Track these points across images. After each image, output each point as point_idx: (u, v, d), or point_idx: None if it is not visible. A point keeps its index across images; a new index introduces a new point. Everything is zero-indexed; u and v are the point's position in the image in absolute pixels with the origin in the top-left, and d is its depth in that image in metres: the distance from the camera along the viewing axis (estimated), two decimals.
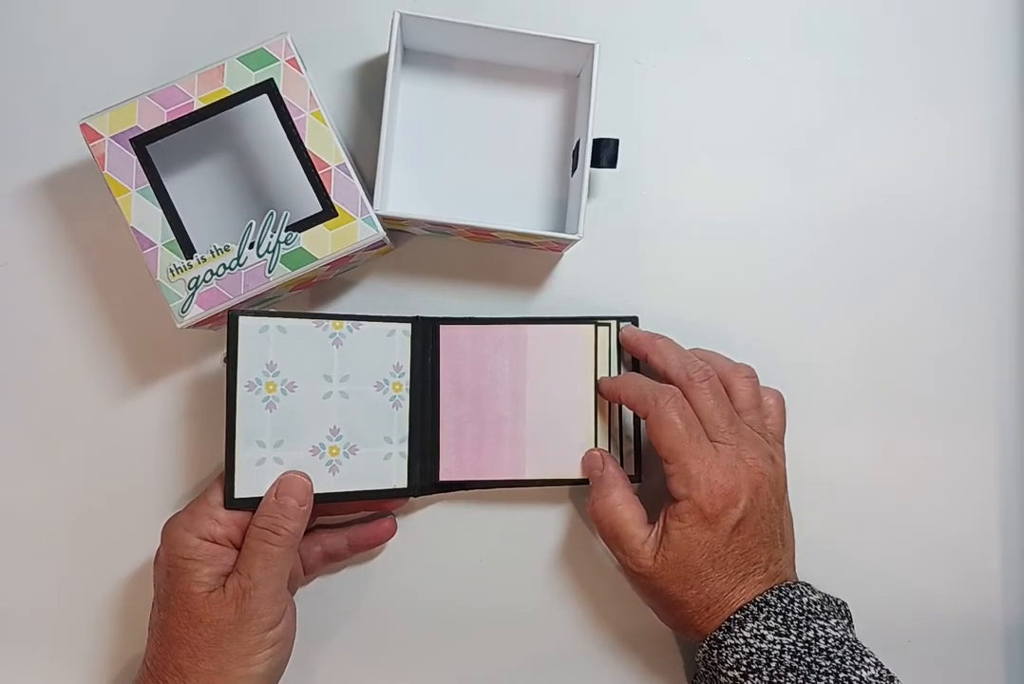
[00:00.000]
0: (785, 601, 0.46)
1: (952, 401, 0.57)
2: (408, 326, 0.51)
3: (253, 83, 0.48)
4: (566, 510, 0.55)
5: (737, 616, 0.46)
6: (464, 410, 0.52)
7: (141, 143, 0.48)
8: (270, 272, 0.48)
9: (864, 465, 0.57)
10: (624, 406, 0.52)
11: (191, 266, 0.48)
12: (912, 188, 0.58)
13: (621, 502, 0.50)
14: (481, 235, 0.53)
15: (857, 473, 0.57)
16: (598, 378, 0.52)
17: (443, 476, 0.52)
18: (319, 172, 0.48)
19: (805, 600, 0.47)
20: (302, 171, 0.48)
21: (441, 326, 0.52)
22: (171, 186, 0.48)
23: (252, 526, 0.46)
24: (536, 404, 0.52)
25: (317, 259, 0.48)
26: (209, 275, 0.48)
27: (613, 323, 0.54)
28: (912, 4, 0.59)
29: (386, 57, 0.50)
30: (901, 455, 0.57)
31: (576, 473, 0.52)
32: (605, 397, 0.52)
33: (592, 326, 0.52)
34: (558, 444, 0.52)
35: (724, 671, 0.46)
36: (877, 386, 0.57)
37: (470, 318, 0.53)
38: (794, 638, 0.45)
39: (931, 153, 0.58)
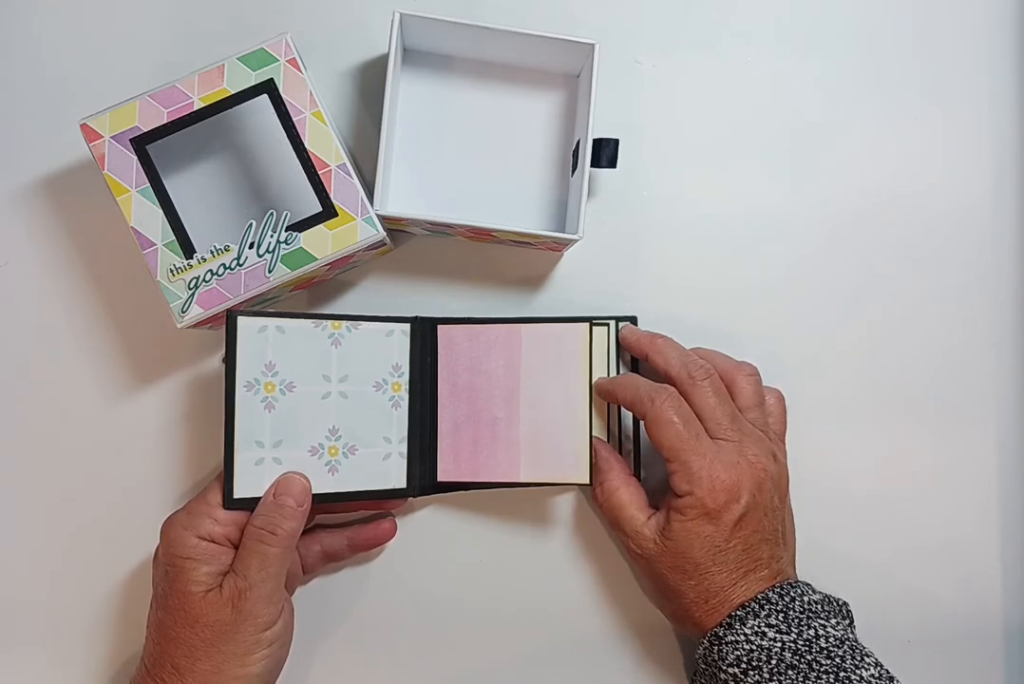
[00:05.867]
0: (786, 599, 0.47)
1: (952, 401, 0.57)
2: (407, 326, 0.51)
3: (253, 83, 0.48)
4: (566, 510, 0.55)
5: (738, 613, 0.46)
6: (460, 411, 0.52)
7: (141, 143, 0.48)
8: (270, 272, 0.48)
9: (864, 464, 0.57)
10: (622, 407, 0.52)
11: (191, 266, 0.48)
12: (912, 188, 0.58)
13: (619, 485, 0.50)
14: (481, 235, 0.53)
15: (857, 472, 0.57)
16: (595, 379, 0.52)
17: (441, 477, 0.52)
18: (319, 172, 0.48)
19: (806, 599, 0.47)
20: (302, 171, 0.48)
21: (438, 326, 0.52)
22: (171, 186, 0.48)
23: (249, 526, 0.46)
24: (530, 405, 0.51)
25: (317, 259, 0.48)
26: (209, 275, 0.48)
27: (611, 323, 0.54)
28: (912, 5, 0.59)
29: (386, 57, 0.50)
30: (901, 454, 0.57)
31: (571, 476, 0.50)
32: (603, 398, 0.52)
33: (587, 325, 0.51)
34: (552, 446, 0.51)
35: (724, 668, 0.46)
36: (877, 386, 0.57)
37: (467, 318, 0.53)
38: (795, 636, 0.45)
39: (931, 153, 0.58)
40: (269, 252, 0.48)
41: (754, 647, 0.45)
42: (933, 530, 0.57)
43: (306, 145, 0.48)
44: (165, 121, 0.48)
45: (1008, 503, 0.57)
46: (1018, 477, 0.57)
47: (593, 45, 0.51)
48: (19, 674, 0.53)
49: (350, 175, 0.49)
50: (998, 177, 0.58)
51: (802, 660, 0.45)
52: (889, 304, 0.58)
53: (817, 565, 0.53)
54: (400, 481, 0.51)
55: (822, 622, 0.46)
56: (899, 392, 0.57)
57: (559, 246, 0.53)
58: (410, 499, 0.53)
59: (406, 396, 0.51)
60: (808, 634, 0.46)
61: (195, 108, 0.48)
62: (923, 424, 0.57)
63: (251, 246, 0.48)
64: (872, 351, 0.57)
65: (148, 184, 0.48)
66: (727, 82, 0.58)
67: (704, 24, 0.58)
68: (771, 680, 0.44)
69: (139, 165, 0.48)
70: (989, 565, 0.57)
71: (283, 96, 0.48)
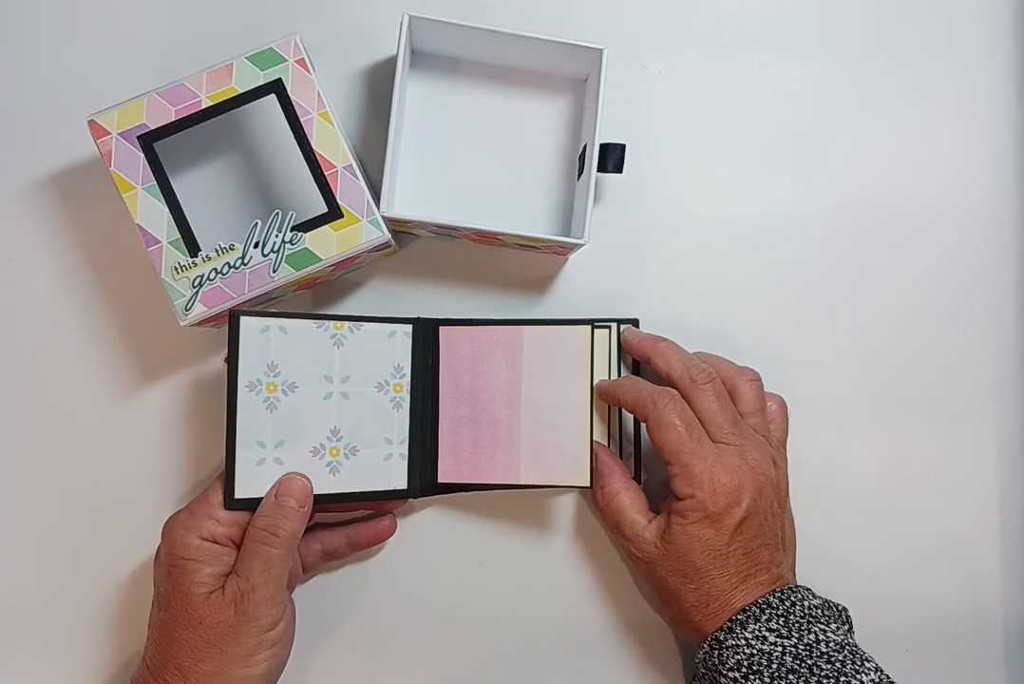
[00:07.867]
0: (787, 604, 0.47)
1: (953, 402, 0.58)
2: (409, 327, 0.51)
3: (261, 83, 0.48)
4: (566, 511, 0.55)
5: (739, 617, 0.46)
6: (462, 412, 0.52)
7: (148, 141, 0.48)
8: (274, 272, 0.48)
9: (864, 465, 0.57)
10: (624, 409, 0.52)
11: (196, 264, 0.48)
12: (913, 189, 0.58)
13: (620, 489, 0.50)
14: (486, 238, 0.53)
15: (858, 473, 0.57)
16: (597, 381, 0.52)
17: (441, 478, 0.52)
18: (326, 173, 0.48)
19: (806, 604, 0.47)
20: (308, 172, 0.48)
21: (440, 327, 0.52)
22: (177, 184, 0.48)
23: (251, 527, 0.46)
24: (531, 407, 0.51)
25: (322, 260, 0.48)
26: (213, 274, 0.48)
27: (613, 325, 0.54)
28: (913, 6, 0.59)
29: (394, 59, 0.50)
30: (902, 455, 0.57)
31: (572, 478, 0.50)
32: (604, 401, 0.52)
33: (588, 327, 0.51)
34: (553, 449, 0.51)
35: (725, 672, 0.46)
36: (878, 387, 0.57)
37: (469, 320, 0.53)
38: (795, 641, 0.45)
39: (931, 153, 0.58)
40: (274, 252, 0.48)
41: (755, 651, 0.45)
42: (933, 531, 0.57)
43: (313, 146, 0.48)
44: (173, 119, 0.48)
45: (1008, 503, 0.57)
46: (1018, 477, 0.58)
47: (601, 50, 0.51)
48: (19, 674, 0.53)
49: (356, 176, 0.49)
50: (999, 177, 0.59)
51: (803, 665, 0.45)
52: (890, 305, 0.58)
53: (817, 566, 0.53)
54: (401, 482, 0.51)
55: (822, 627, 0.46)
56: (899, 392, 0.57)
57: (564, 250, 0.53)
58: (410, 500, 0.53)
59: (407, 397, 0.51)
60: (809, 639, 0.46)
61: (203, 106, 0.48)
62: (923, 424, 0.57)
63: (256, 245, 0.48)
64: (873, 352, 0.58)
65: (154, 181, 0.48)
66: (733, 88, 0.58)
67: (711, 29, 0.58)
68: None
69: (146, 162, 0.48)
70: (989, 566, 0.57)
71: (291, 96, 0.48)
